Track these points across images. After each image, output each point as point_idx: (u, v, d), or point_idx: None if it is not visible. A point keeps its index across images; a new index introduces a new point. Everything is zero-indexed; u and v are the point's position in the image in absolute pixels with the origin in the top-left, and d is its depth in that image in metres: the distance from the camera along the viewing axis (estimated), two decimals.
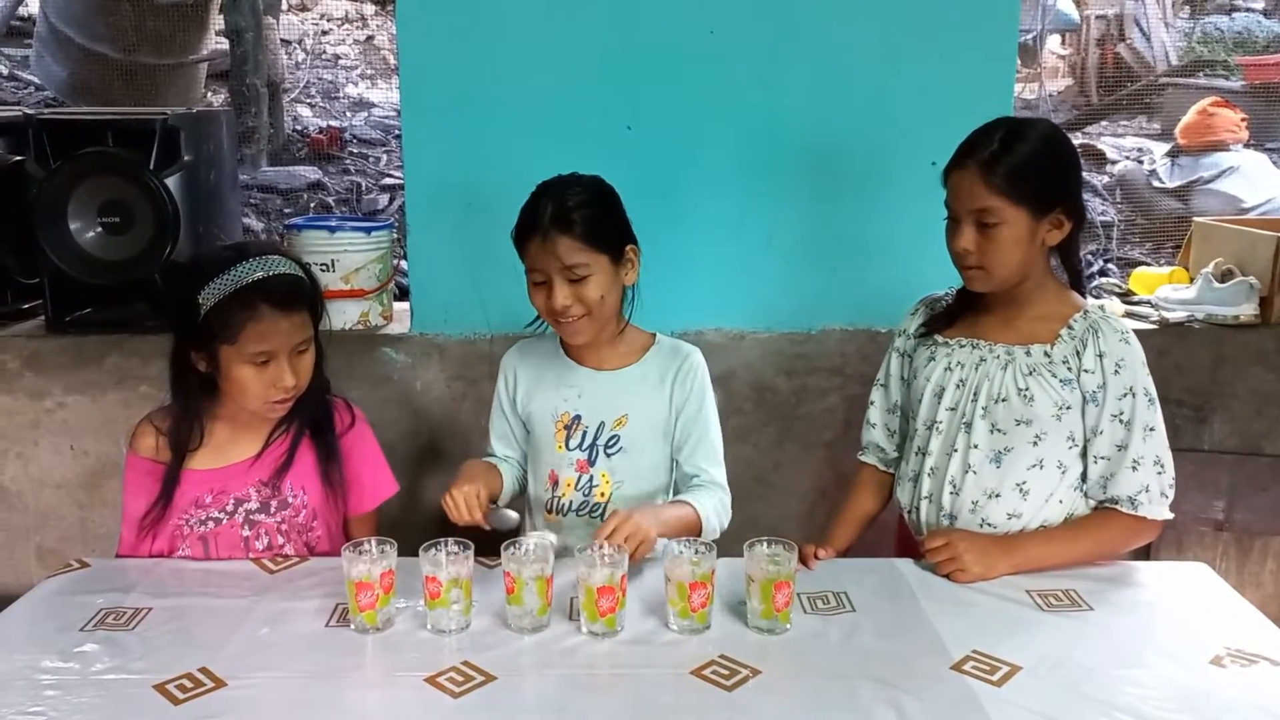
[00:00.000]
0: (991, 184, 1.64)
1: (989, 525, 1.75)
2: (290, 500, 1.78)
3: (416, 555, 1.52)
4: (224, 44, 5.71)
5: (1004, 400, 1.71)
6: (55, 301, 2.48)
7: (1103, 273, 4.60)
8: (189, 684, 1.36)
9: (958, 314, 1.83)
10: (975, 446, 1.75)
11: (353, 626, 1.51)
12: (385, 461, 1.91)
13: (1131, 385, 1.68)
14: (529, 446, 1.94)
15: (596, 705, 1.34)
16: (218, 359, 1.67)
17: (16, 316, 2.62)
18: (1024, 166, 1.65)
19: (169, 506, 1.74)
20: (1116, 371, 1.68)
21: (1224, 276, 2.50)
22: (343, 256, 2.48)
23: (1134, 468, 1.68)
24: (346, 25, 7.67)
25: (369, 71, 7.08)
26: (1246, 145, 4.80)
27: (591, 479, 1.86)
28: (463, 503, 1.64)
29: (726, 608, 1.55)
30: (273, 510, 1.77)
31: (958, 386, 1.77)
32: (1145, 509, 1.69)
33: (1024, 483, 1.73)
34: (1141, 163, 5.43)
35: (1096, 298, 2.83)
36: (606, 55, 2.34)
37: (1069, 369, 1.69)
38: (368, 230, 2.53)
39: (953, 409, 1.78)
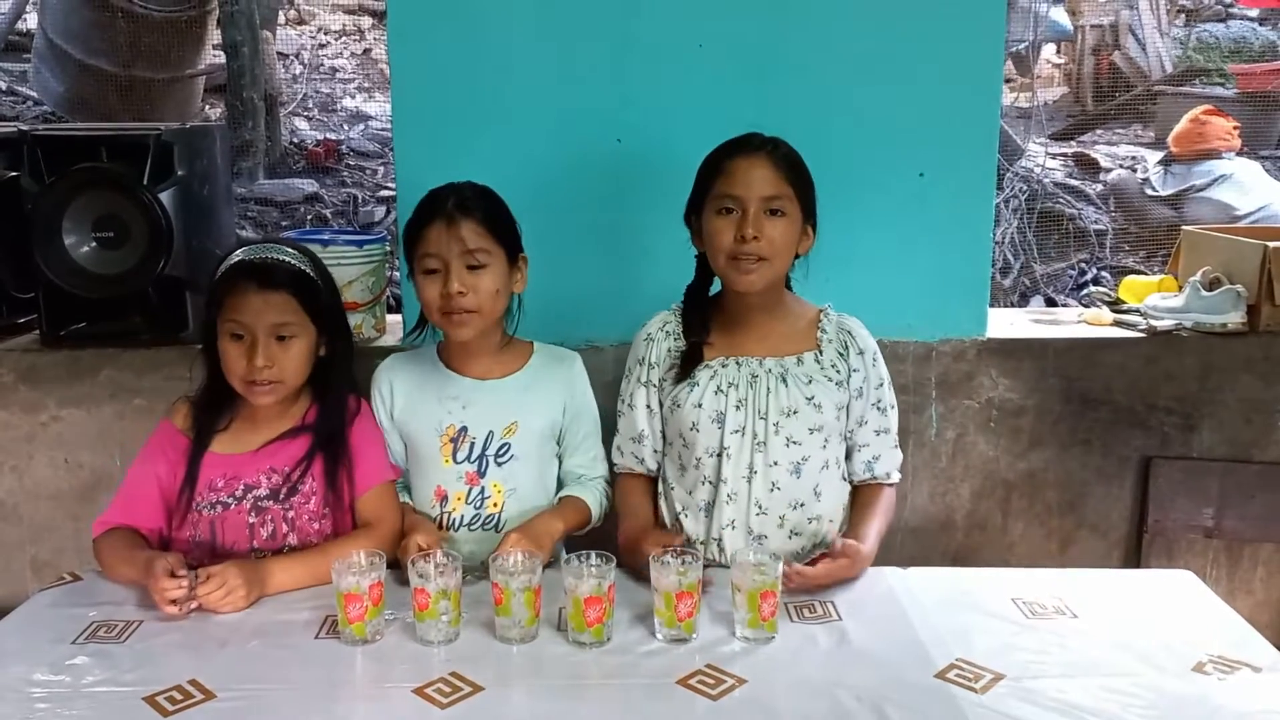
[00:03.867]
0: (783, 174, 1.72)
1: (796, 534, 1.77)
2: (300, 487, 1.79)
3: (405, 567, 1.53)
4: (221, 58, 5.73)
5: (795, 413, 1.74)
6: (50, 315, 2.49)
7: (1095, 281, 4.61)
8: (179, 696, 1.37)
9: (703, 337, 1.82)
10: (775, 464, 1.75)
11: (342, 638, 1.52)
12: (383, 447, 1.87)
13: (882, 374, 1.84)
14: (408, 463, 1.91)
15: (583, 715, 1.35)
16: (216, 337, 1.75)
17: (11, 330, 2.63)
18: (800, 167, 1.75)
19: (194, 489, 1.77)
20: (874, 363, 1.82)
21: (1212, 285, 2.51)
22: (335, 269, 2.46)
23: (893, 446, 1.85)
24: (344, 38, 7.70)
25: (366, 84, 7.11)
26: (1239, 153, 4.83)
27: (483, 490, 1.83)
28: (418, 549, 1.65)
29: (713, 617, 1.56)
30: (282, 497, 1.78)
31: (738, 408, 1.75)
32: (895, 477, 1.86)
33: (818, 485, 1.78)
34: (1135, 171, 5.45)
35: (1087, 305, 2.84)
36: (597, 68, 2.35)
37: (838, 370, 1.78)
38: (360, 243, 2.54)
39: (738, 431, 1.75)
